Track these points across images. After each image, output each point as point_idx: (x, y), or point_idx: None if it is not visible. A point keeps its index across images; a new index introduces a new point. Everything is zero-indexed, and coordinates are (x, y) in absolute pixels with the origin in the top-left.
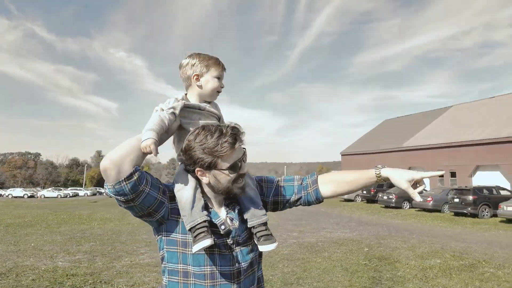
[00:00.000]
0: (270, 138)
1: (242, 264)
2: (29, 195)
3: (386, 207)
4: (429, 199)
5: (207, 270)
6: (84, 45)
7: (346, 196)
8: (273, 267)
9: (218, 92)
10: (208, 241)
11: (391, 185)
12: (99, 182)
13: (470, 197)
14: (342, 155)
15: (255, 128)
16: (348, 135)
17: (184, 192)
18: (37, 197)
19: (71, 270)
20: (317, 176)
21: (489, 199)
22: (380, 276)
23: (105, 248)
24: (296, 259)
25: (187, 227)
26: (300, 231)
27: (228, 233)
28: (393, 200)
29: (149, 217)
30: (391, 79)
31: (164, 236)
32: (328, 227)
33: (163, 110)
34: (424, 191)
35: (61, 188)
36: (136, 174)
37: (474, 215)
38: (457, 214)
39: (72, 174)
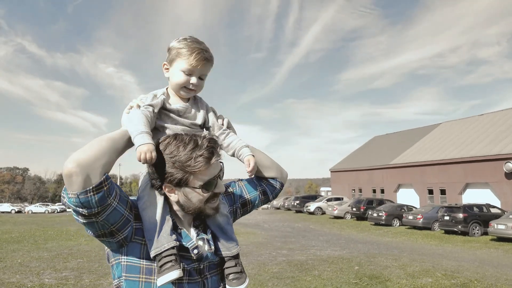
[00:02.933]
0: None
1: None
2: (16, 210)
3: (376, 224)
4: (419, 216)
5: None
6: (73, 60)
7: (335, 213)
8: (262, 285)
9: (187, 89)
10: (175, 273)
11: (380, 203)
12: None
13: (461, 215)
14: (331, 171)
15: None
16: (336, 151)
17: (150, 212)
18: (25, 212)
19: (57, 287)
20: None
21: (479, 217)
22: None
23: (92, 265)
24: (286, 277)
25: (151, 254)
26: (290, 248)
27: (200, 258)
28: (383, 218)
29: (109, 237)
30: (379, 96)
31: (124, 262)
32: (318, 244)
33: (139, 106)
34: (414, 209)
35: (49, 203)
36: (106, 183)
37: (464, 233)
38: (447, 232)
39: (60, 190)
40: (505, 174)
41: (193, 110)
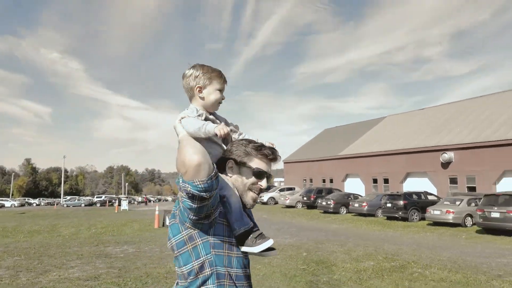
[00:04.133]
0: None
1: (248, 269)
2: None
3: (325, 212)
4: (364, 204)
5: (246, 272)
6: (12, 44)
7: (287, 202)
8: None
9: (219, 103)
10: (271, 240)
11: (329, 192)
12: (28, 192)
13: (401, 202)
14: (284, 163)
15: None
16: (291, 144)
17: (235, 198)
18: None
19: None
20: None
21: (418, 203)
22: (317, 280)
23: (30, 262)
24: None
25: (241, 231)
26: None
27: None
28: (331, 206)
29: (206, 219)
30: (331, 90)
31: (212, 240)
32: (269, 233)
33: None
34: (359, 197)
35: None
36: (215, 169)
37: (404, 219)
38: (389, 218)
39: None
40: (441, 164)
41: (218, 121)
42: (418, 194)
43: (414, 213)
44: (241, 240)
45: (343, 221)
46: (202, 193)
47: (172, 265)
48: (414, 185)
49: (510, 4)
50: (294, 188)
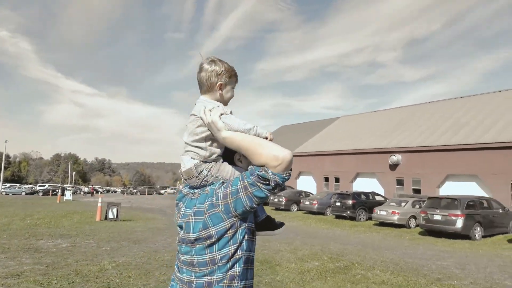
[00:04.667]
0: (171, 138)
1: None
2: None
3: (277, 209)
4: (314, 202)
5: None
6: None
7: None
8: (148, 275)
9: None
10: (284, 224)
11: (282, 189)
12: None
13: (350, 201)
14: None
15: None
16: None
17: None
18: None
19: None
20: None
21: (365, 203)
22: (259, 281)
23: None
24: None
25: (263, 217)
26: None
27: None
28: (283, 203)
29: (258, 206)
30: (290, 88)
31: (247, 226)
32: None
33: (221, 114)
34: (311, 195)
35: None
36: None
37: (352, 218)
38: (338, 217)
39: None
40: (390, 165)
41: None
42: (366, 194)
43: (362, 213)
44: (260, 225)
45: (294, 218)
46: (283, 183)
47: (107, 263)
48: (363, 185)
49: (460, 17)
50: None
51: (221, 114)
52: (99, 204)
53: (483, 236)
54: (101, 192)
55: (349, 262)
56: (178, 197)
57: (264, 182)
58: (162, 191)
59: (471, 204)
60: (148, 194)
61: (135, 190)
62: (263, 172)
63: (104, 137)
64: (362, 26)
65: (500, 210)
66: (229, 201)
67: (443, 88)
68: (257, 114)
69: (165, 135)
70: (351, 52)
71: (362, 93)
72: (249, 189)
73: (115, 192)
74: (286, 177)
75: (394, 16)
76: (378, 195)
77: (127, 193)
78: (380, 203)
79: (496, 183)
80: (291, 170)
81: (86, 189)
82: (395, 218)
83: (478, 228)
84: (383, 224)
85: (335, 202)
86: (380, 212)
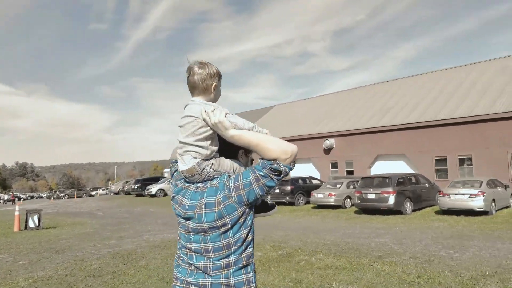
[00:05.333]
0: (99, 136)
1: None
2: None
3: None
4: None
5: None
6: None
7: None
8: None
9: None
10: (276, 205)
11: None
12: None
13: (288, 187)
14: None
15: (81, 124)
16: None
17: None
18: None
19: None
20: None
21: (303, 188)
22: None
23: None
24: (106, 273)
25: (259, 201)
26: (120, 237)
27: None
28: None
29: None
30: (225, 80)
31: (252, 211)
32: (154, 229)
33: (212, 111)
34: None
35: None
36: None
37: (291, 203)
38: (278, 203)
39: None
40: (324, 150)
41: None
42: (303, 179)
43: (300, 197)
44: (257, 208)
45: None
46: (289, 172)
47: (22, 279)
48: (300, 170)
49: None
50: None
51: (226, 114)
52: (17, 213)
53: (413, 210)
54: (24, 199)
55: (292, 249)
56: (175, 190)
57: (275, 173)
58: (93, 193)
59: (401, 181)
60: (77, 197)
61: (62, 194)
62: (275, 165)
63: (24, 140)
64: (292, 17)
65: (427, 185)
66: (242, 192)
67: (368, 76)
68: None
69: (92, 133)
70: (282, 43)
71: (295, 82)
72: (262, 181)
73: (40, 197)
74: (292, 167)
75: (322, 7)
76: (315, 179)
77: (53, 198)
78: (317, 187)
79: (421, 160)
80: (295, 161)
81: (6, 197)
82: (331, 200)
83: (408, 203)
84: (321, 206)
85: (274, 188)
86: (317, 195)
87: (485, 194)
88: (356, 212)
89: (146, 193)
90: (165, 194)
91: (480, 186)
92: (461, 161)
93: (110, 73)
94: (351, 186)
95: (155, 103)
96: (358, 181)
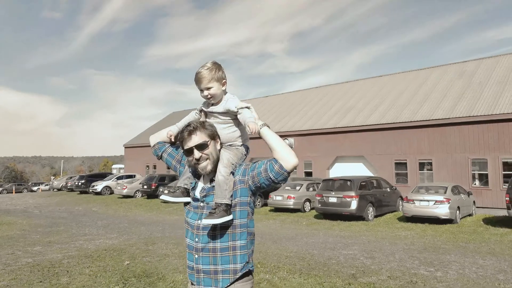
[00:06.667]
0: (47, 129)
1: None
2: None
3: (166, 202)
4: None
5: None
6: None
7: (125, 192)
8: None
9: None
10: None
11: (173, 179)
12: None
13: None
14: (125, 147)
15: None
16: (138, 128)
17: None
18: None
19: None
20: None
21: None
22: None
23: None
24: None
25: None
26: (49, 242)
27: (196, 198)
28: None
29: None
30: (183, 76)
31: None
32: (91, 232)
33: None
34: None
35: None
36: None
37: None
38: None
39: None
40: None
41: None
42: None
43: (257, 199)
44: None
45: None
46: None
47: None
48: None
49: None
50: (134, 176)
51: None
52: None
53: (375, 216)
54: None
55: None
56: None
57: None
58: (35, 188)
59: (363, 185)
60: (16, 192)
61: (0, 188)
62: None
63: None
64: (252, 16)
65: (388, 189)
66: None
67: (325, 78)
68: (147, 102)
69: (40, 125)
70: (242, 41)
71: (253, 81)
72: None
73: None
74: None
75: (281, 8)
76: None
77: None
78: (275, 188)
79: (381, 163)
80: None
81: None
82: (290, 203)
83: (371, 208)
84: (278, 209)
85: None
86: (275, 198)
87: (450, 201)
88: (316, 216)
89: (90, 190)
90: (111, 192)
91: (445, 193)
92: (421, 165)
93: (62, 64)
94: (311, 188)
95: (108, 96)
96: (318, 183)
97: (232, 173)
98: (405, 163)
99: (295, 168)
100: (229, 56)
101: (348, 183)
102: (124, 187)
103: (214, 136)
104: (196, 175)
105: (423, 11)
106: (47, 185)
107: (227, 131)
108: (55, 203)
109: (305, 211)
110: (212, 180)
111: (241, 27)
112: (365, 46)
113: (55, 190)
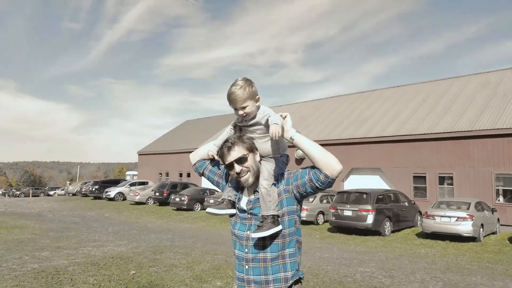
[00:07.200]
0: (65, 135)
1: None
2: None
3: (178, 209)
4: (219, 200)
5: None
6: None
7: (137, 198)
8: None
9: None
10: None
11: (185, 187)
12: None
13: None
14: (139, 154)
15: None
16: (152, 136)
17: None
18: None
19: None
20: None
21: None
22: None
23: None
24: None
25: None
26: (57, 247)
27: (243, 210)
28: (185, 202)
29: None
30: (197, 85)
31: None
32: (101, 239)
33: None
34: (216, 193)
35: None
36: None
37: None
38: None
39: None
40: (296, 160)
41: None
42: None
43: None
44: None
45: (196, 219)
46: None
47: None
48: None
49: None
50: (147, 183)
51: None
52: None
53: (392, 231)
54: None
55: (229, 275)
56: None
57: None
58: (52, 192)
59: (381, 198)
60: (33, 196)
61: (18, 192)
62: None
63: None
64: (266, 27)
65: (407, 204)
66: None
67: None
68: (162, 110)
69: (59, 131)
70: (255, 52)
71: (266, 92)
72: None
73: None
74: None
75: (295, 19)
76: None
77: (8, 195)
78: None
79: (398, 176)
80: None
81: None
82: (303, 215)
83: (388, 223)
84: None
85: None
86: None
87: (473, 218)
88: (329, 229)
89: (104, 196)
90: (124, 198)
91: (468, 209)
92: (441, 180)
93: (80, 73)
94: (325, 200)
95: (124, 105)
96: (332, 195)
97: (274, 184)
98: (424, 177)
99: (340, 173)
100: (242, 66)
101: (364, 196)
102: (136, 194)
103: (252, 148)
104: (239, 187)
105: (439, 22)
106: (63, 189)
107: (265, 145)
108: (69, 207)
109: (318, 224)
110: (255, 191)
111: (254, 38)
112: (380, 56)
113: (70, 195)
